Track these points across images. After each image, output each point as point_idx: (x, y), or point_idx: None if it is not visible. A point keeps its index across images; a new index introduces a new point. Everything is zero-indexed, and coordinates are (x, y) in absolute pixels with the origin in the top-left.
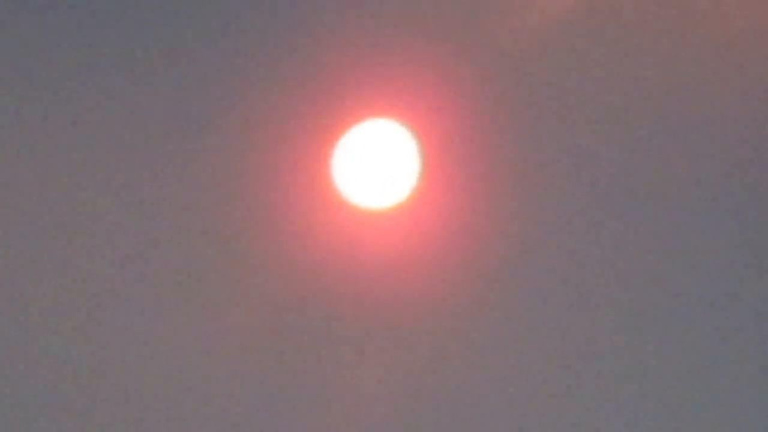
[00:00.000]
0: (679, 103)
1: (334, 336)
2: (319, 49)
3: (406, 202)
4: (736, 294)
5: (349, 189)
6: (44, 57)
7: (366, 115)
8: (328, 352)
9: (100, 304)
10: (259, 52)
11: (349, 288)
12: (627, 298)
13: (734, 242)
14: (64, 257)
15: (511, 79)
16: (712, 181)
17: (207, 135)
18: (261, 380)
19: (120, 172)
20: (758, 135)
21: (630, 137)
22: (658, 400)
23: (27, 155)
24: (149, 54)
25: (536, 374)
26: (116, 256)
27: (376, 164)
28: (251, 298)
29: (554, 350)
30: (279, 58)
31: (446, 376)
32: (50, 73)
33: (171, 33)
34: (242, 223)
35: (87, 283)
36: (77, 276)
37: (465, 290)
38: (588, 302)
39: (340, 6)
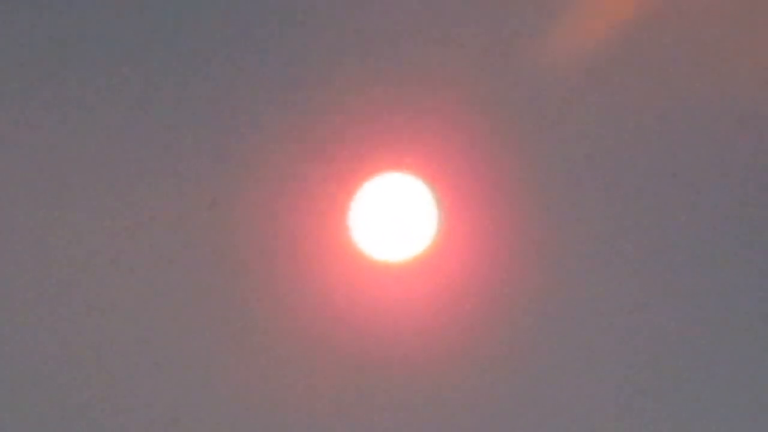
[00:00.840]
0: (709, 148)
1: (353, 389)
2: (335, 103)
3: (422, 256)
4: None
5: (366, 242)
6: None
7: (382, 169)
8: (345, 406)
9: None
10: (275, 106)
11: (366, 341)
12: (652, 351)
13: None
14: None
15: (527, 132)
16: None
17: (223, 191)
18: None
19: (134, 230)
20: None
21: (647, 179)
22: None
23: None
24: (167, 108)
25: (557, 424)
26: (122, 313)
27: (393, 218)
28: (267, 352)
29: (576, 403)
30: (296, 112)
31: (464, 429)
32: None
33: (188, 89)
34: (258, 276)
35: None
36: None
37: (483, 343)
38: (610, 352)
39: (358, 59)
